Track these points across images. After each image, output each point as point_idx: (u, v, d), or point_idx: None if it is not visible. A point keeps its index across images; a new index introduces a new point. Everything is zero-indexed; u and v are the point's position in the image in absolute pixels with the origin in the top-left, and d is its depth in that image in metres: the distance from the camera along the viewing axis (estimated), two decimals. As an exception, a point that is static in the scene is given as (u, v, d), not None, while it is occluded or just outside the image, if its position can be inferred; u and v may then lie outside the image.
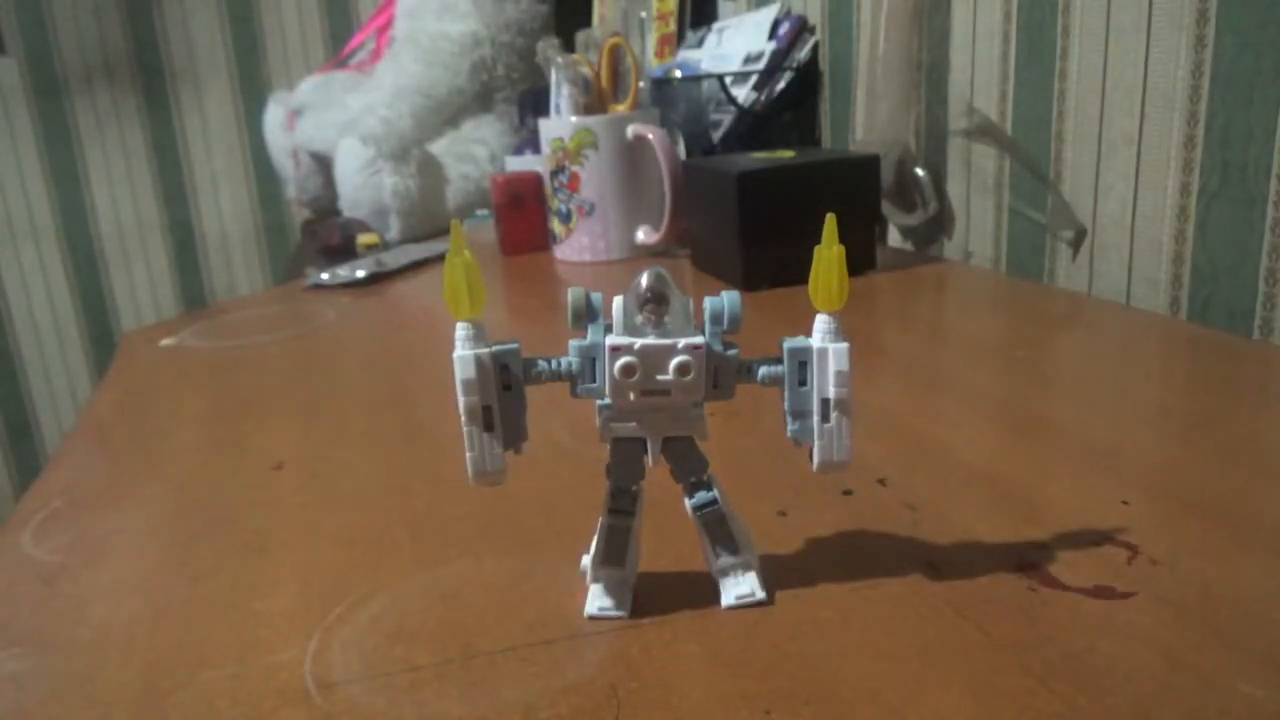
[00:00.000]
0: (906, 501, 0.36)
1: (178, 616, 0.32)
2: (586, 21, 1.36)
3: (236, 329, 0.72)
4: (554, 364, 0.28)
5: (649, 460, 0.29)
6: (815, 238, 0.28)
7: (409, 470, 0.43)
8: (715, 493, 0.30)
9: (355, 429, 0.49)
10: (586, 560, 0.30)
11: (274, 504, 0.41)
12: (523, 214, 0.93)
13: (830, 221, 0.27)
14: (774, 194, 0.68)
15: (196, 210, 2.10)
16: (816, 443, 0.28)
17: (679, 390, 0.28)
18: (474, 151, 1.20)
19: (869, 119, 0.87)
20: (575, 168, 0.84)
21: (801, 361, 0.28)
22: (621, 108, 0.85)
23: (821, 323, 0.28)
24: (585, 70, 0.85)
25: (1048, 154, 0.72)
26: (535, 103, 1.13)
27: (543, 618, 0.30)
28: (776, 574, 0.31)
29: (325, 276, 0.86)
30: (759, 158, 0.73)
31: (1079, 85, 0.69)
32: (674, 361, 0.27)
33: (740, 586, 0.30)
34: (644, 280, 0.27)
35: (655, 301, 0.27)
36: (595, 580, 0.30)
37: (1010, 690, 0.25)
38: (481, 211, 1.17)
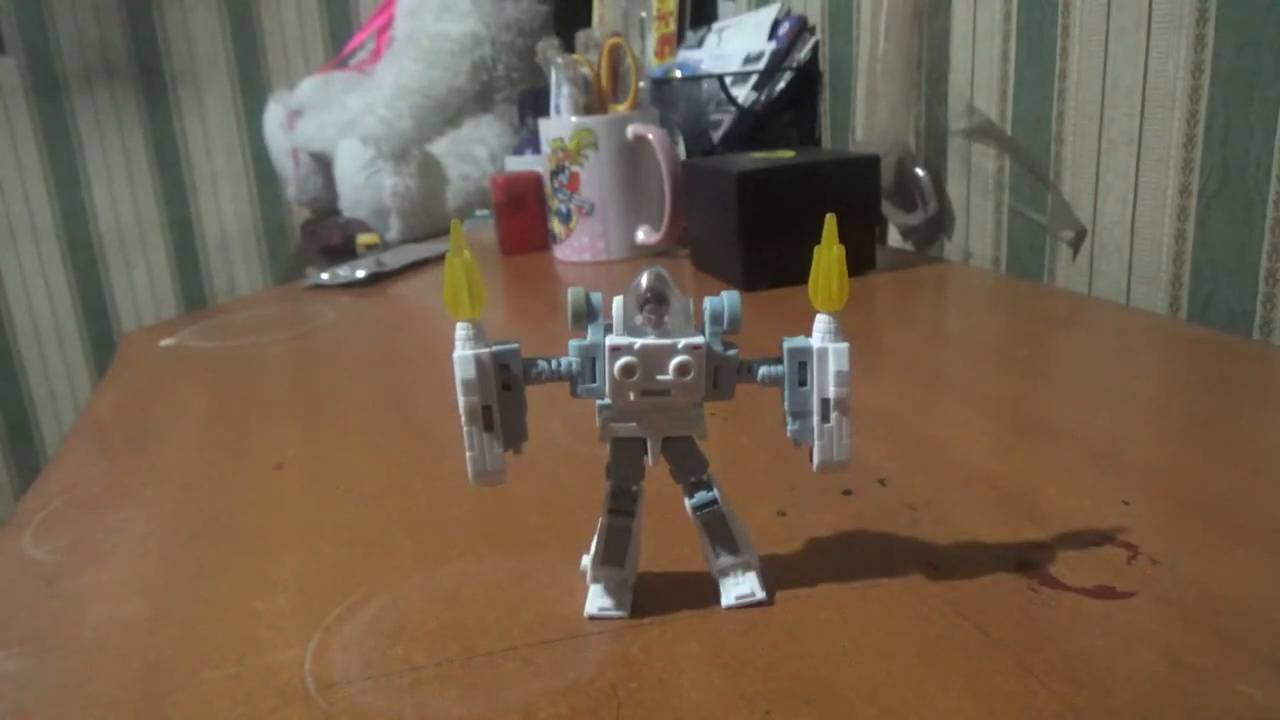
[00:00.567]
0: (906, 501, 0.36)
1: (178, 616, 0.32)
2: (586, 21, 1.36)
3: (237, 329, 0.72)
4: (554, 364, 0.28)
5: (649, 460, 0.29)
6: (815, 238, 0.28)
7: (409, 470, 0.43)
8: (715, 493, 0.30)
9: (355, 429, 0.49)
10: (586, 560, 0.30)
11: (274, 504, 0.41)
12: (523, 214, 0.93)
13: (830, 221, 0.27)
14: (774, 194, 0.68)
15: (196, 210, 2.10)
16: (816, 443, 0.28)
17: (679, 390, 0.28)
18: (474, 151, 1.20)
19: (869, 119, 0.87)
20: (575, 168, 0.84)
21: (801, 361, 0.28)
22: (621, 108, 0.85)
23: (821, 323, 0.28)
24: (585, 70, 0.85)
25: (1048, 154, 0.72)
26: (535, 103, 1.13)
27: (543, 618, 0.30)
28: (776, 574, 0.31)
29: (325, 276, 0.86)
30: (759, 158, 0.73)
31: (1079, 85, 0.69)
32: (674, 361, 0.27)
33: (740, 586, 0.30)
34: (644, 280, 0.27)
35: (655, 301, 0.27)
36: (595, 580, 0.30)
37: (1010, 690, 0.25)
38: (481, 211, 1.17)
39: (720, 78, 0.99)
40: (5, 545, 0.39)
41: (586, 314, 0.28)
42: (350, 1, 2.07)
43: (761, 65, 1.01)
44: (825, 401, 0.28)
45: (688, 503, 0.30)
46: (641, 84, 0.85)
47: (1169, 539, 0.32)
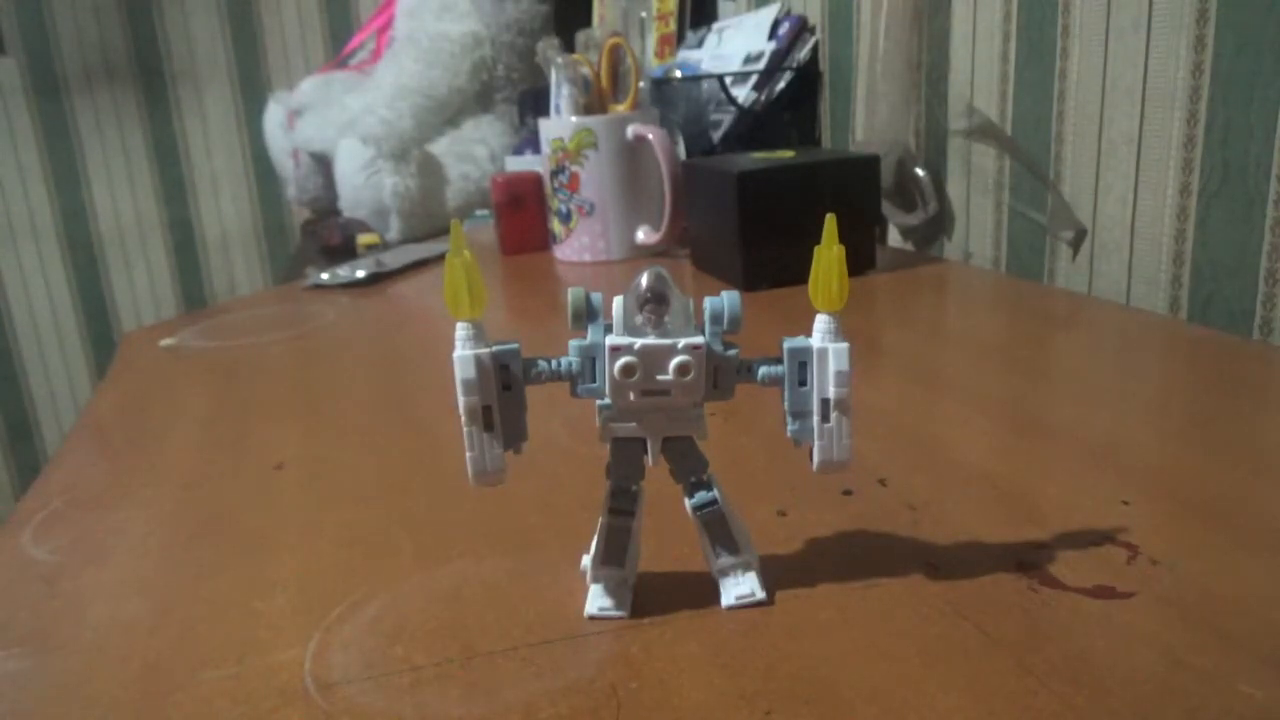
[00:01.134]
0: (906, 501, 0.36)
1: (178, 616, 0.32)
2: (586, 21, 1.36)
3: (237, 329, 0.72)
4: (554, 364, 0.28)
5: (649, 460, 0.29)
6: (815, 238, 0.28)
7: (409, 470, 0.43)
8: (715, 493, 0.30)
9: (355, 429, 0.49)
10: (586, 560, 0.30)
11: (274, 504, 0.41)
12: (523, 214, 0.93)
13: (830, 221, 0.27)
14: (774, 194, 0.68)
15: (196, 210, 2.10)
16: (816, 443, 0.28)
17: (679, 390, 0.28)
18: (474, 151, 1.20)
19: (869, 119, 0.87)
20: (575, 168, 0.84)
21: (801, 361, 0.28)
22: (621, 108, 0.85)
23: (821, 323, 0.28)
24: (585, 70, 0.85)
25: (1048, 154, 0.72)
26: (535, 103, 1.13)
27: (543, 618, 0.30)
28: (776, 574, 0.31)
29: (325, 276, 0.86)
30: (759, 158, 0.73)
31: (1079, 85, 0.69)
32: (674, 361, 0.27)
33: (740, 586, 0.30)
34: (644, 280, 0.27)
35: (655, 301, 0.27)
36: (595, 580, 0.30)
37: (1010, 690, 0.25)
38: (481, 211, 1.17)
39: (720, 78, 0.99)
40: (5, 545, 0.39)
41: (586, 314, 0.28)
42: (350, 1, 2.07)
43: (761, 65, 1.01)
44: (825, 401, 0.28)
45: (688, 503, 0.30)
46: (641, 84, 0.85)
47: (1169, 539, 0.32)
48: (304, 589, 0.33)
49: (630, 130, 0.83)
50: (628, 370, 0.27)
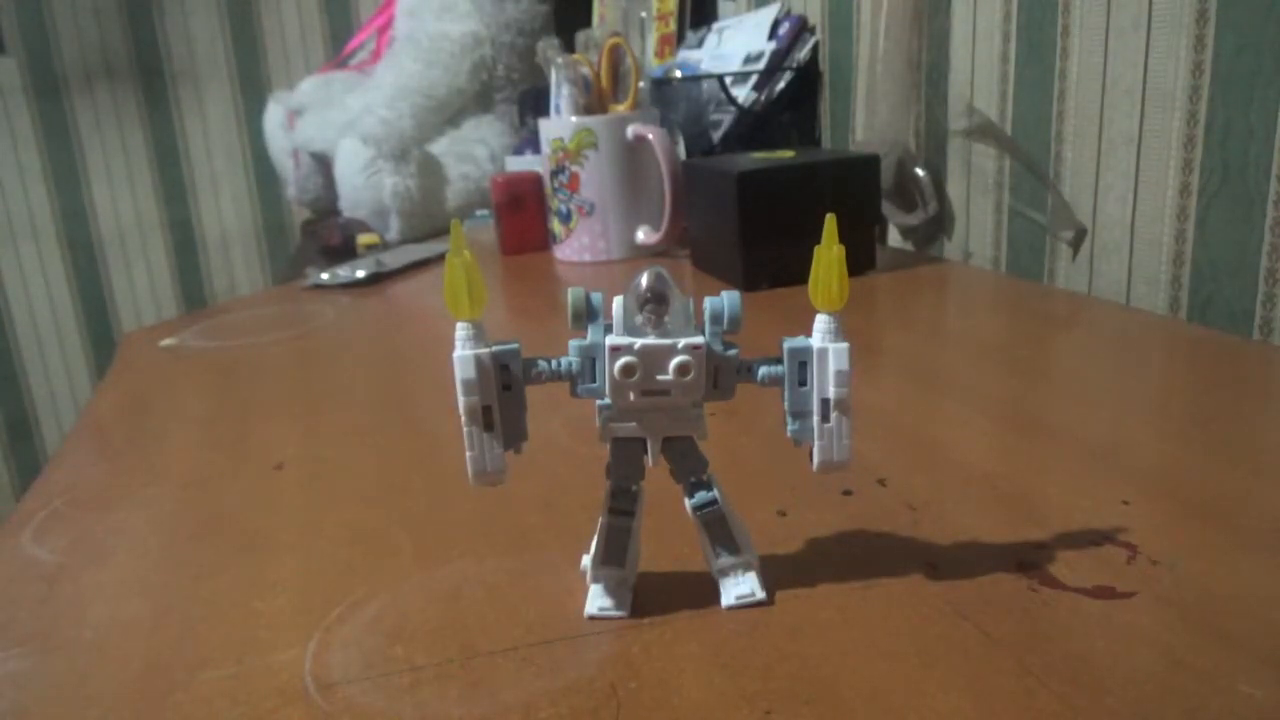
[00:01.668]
0: (906, 501, 0.36)
1: (178, 616, 0.32)
2: (586, 21, 1.36)
3: (237, 329, 0.72)
4: (554, 364, 0.28)
5: (649, 460, 0.29)
6: (815, 238, 0.28)
7: (409, 470, 0.43)
8: (715, 493, 0.30)
9: (355, 429, 0.49)
10: (586, 560, 0.30)
11: (274, 504, 0.41)
12: (523, 214, 0.93)
13: (830, 221, 0.27)
14: (774, 194, 0.68)
15: (196, 210, 2.10)
16: (816, 443, 0.28)
17: (679, 390, 0.28)
18: (474, 151, 1.20)
19: (869, 119, 0.87)
20: (575, 168, 0.84)
21: (801, 361, 0.28)
22: (621, 108, 0.85)
23: (821, 323, 0.28)
24: (585, 70, 0.85)
25: (1048, 154, 0.72)
26: (535, 103, 1.13)
27: (543, 618, 0.30)
28: (776, 574, 0.31)
29: (325, 276, 0.86)
30: (759, 158, 0.73)
31: (1079, 85, 0.69)
32: (674, 361, 0.27)
33: (740, 586, 0.30)
34: (644, 280, 0.27)
35: (655, 301, 0.27)
36: (595, 580, 0.30)
37: (1010, 690, 0.25)
38: (481, 211, 1.17)
39: (720, 78, 0.99)
40: (5, 545, 0.39)
41: (586, 314, 0.28)
42: (350, 1, 2.07)
43: (761, 65, 1.01)
44: (825, 401, 0.28)
45: (688, 503, 0.30)
46: (641, 84, 0.85)
47: (1169, 539, 0.32)
48: (304, 589, 0.33)
49: (630, 130, 0.83)
50: (628, 370, 0.27)
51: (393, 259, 0.92)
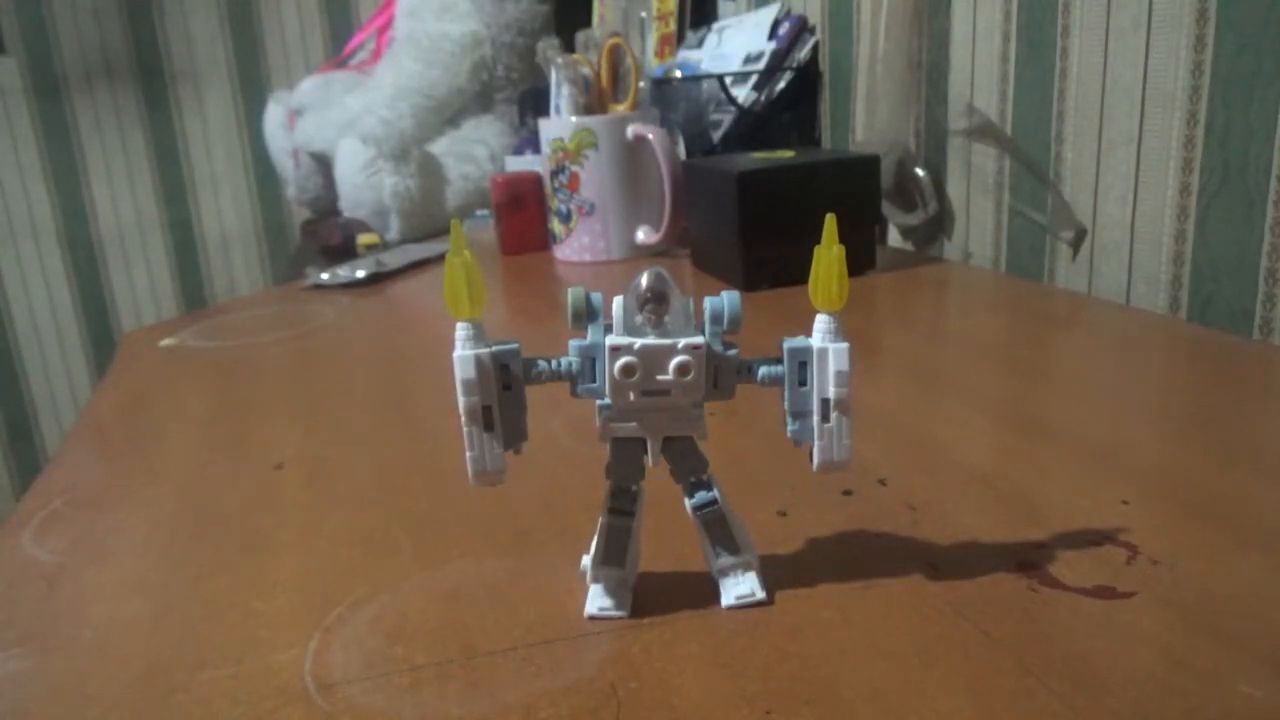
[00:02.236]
0: (906, 501, 0.36)
1: (178, 616, 0.32)
2: (586, 21, 1.36)
3: (236, 329, 0.72)
4: (554, 364, 0.28)
5: (649, 460, 0.29)
6: (815, 238, 0.28)
7: (409, 470, 0.43)
8: (715, 493, 0.30)
9: (355, 429, 0.49)
10: (586, 560, 0.30)
11: (274, 504, 0.41)
12: (523, 214, 0.93)
13: (830, 221, 0.27)
14: (774, 194, 0.68)
15: (196, 210, 2.10)
16: (816, 443, 0.28)
17: (679, 390, 0.28)
18: (474, 151, 1.20)
19: (869, 119, 0.87)
20: (575, 168, 0.84)
21: (801, 361, 0.28)
22: (621, 108, 0.85)
23: (821, 323, 0.28)
24: (585, 70, 0.85)
25: (1048, 154, 0.72)
26: (535, 103, 1.13)
27: (543, 618, 0.30)
28: (776, 574, 0.31)
29: (325, 276, 0.86)
30: (759, 158, 0.73)
31: (1079, 85, 0.69)
32: (674, 361, 0.27)
33: (740, 586, 0.30)
34: (644, 280, 0.27)
35: (655, 301, 0.27)
36: (595, 580, 0.30)
37: (1010, 690, 0.25)
38: (481, 211, 1.17)
39: (720, 78, 0.99)
40: (5, 545, 0.39)
41: (586, 314, 0.28)
42: (350, 1, 2.07)
43: (761, 65, 1.01)
44: (825, 401, 0.28)
45: (688, 503, 0.30)
46: (641, 84, 0.85)
47: (1169, 539, 0.32)
48: (304, 589, 0.33)
49: (630, 130, 0.83)
50: (628, 370, 0.27)
51: (393, 259, 0.92)
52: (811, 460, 0.29)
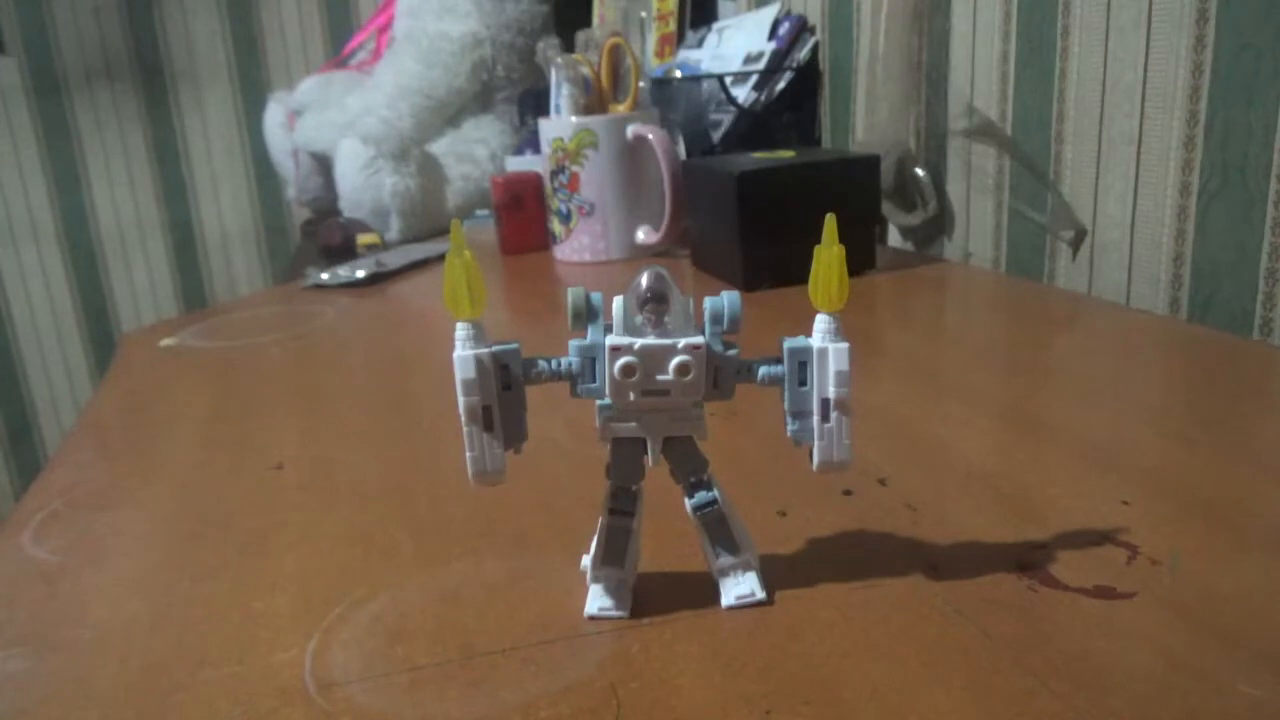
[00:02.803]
0: (906, 501, 0.36)
1: (178, 616, 0.32)
2: (586, 21, 1.36)
3: (236, 329, 0.72)
4: (554, 364, 0.28)
5: (649, 460, 0.29)
6: (815, 238, 0.28)
7: (409, 470, 0.43)
8: (715, 493, 0.30)
9: (355, 429, 0.49)
10: (586, 560, 0.30)
11: (274, 504, 0.41)
12: (523, 214, 0.93)
13: (830, 221, 0.27)
14: (774, 194, 0.68)
15: (196, 210, 2.10)
16: (816, 443, 0.28)
17: (679, 390, 0.28)
18: (474, 151, 1.20)
19: (869, 119, 0.87)
20: (575, 168, 0.84)
21: (801, 361, 0.28)
22: (621, 108, 0.85)
23: (821, 323, 0.28)
24: (585, 70, 0.85)
25: (1048, 154, 0.72)
26: (535, 103, 1.13)
27: (543, 618, 0.30)
28: (776, 574, 0.31)
29: (325, 276, 0.86)
30: (759, 158, 0.73)
31: (1079, 85, 0.69)
32: (674, 361, 0.27)
33: (740, 586, 0.30)
34: (644, 280, 0.27)
35: (655, 301, 0.27)
36: (595, 580, 0.30)
37: (1010, 690, 0.25)
38: (481, 211, 1.17)
39: (720, 78, 0.99)
40: (5, 545, 0.39)
41: (586, 314, 0.28)
42: (350, 1, 2.07)
43: (761, 65, 1.01)
44: (825, 401, 0.28)
45: (688, 503, 0.30)
46: (641, 84, 0.85)
47: (1169, 539, 0.32)
48: (304, 589, 0.33)
49: (630, 130, 0.83)
50: (628, 370, 0.27)
51: (393, 259, 0.92)
52: (811, 460, 0.29)
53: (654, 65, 1.23)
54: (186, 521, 0.39)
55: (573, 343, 0.28)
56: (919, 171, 0.85)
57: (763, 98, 1.00)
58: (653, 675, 0.27)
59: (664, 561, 0.33)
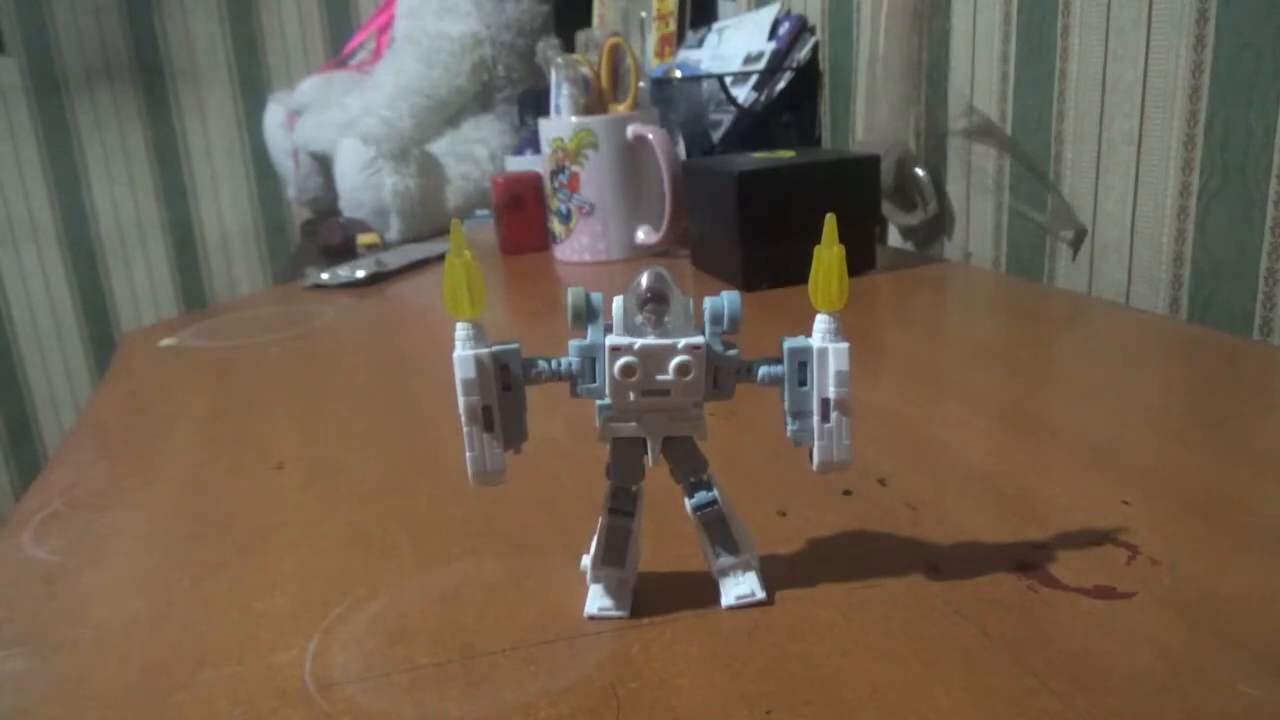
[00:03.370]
0: (906, 501, 0.36)
1: (178, 616, 0.32)
2: (586, 21, 1.36)
3: (236, 329, 0.72)
4: (554, 364, 0.28)
5: (649, 460, 0.29)
6: (815, 238, 0.28)
7: (409, 470, 0.43)
8: (715, 493, 0.30)
9: (355, 429, 0.49)
10: (586, 560, 0.30)
11: (274, 504, 0.41)
12: (523, 214, 0.93)
13: (830, 221, 0.27)
14: (774, 194, 0.68)
15: (196, 210, 2.10)
16: (816, 443, 0.28)
17: (679, 390, 0.28)
18: (474, 151, 1.20)
19: (869, 119, 0.87)
20: (575, 168, 0.84)
21: (801, 361, 0.28)
22: (621, 108, 0.85)
23: (821, 323, 0.28)
24: (585, 70, 0.85)
25: (1048, 154, 0.72)
26: (535, 103, 1.13)
27: (543, 618, 0.30)
28: (776, 574, 0.31)
29: (325, 276, 0.86)
30: (759, 158, 0.73)
31: (1079, 85, 0.69)
32: (674, 361, 0.27)
33: (740, 586, 0.30)
34: (644, 280, 0.27)
35: (655, 301, 0.27)
36: (595, 580, 0.30)
37: (1010, 690, 0.25)
38: (481, 211, 1.17)
39: (720, 78, 0.99)
40: (5, 545, 0.39)
41: (586, 314, 0.28)
42: (350, 1, 2.07)
43: (761, 65, 1.01)
44: (825, 401, 0.28)
45: (688, 503, 0.30)
46: (641, 84, 0.85)
47: (1169, 539, 0.32)
48: (304, 589, 0.33)
49: (630, 130, 0.83)
50: (628, 370, 0.27)
51: (393, 259, 0.92)
52: (811, 460, 0.29)
53: (654, 65, 1.23)
54: (186, 521, 0.39)
55: (573, 343, 0.28)
56: (919, 171, 0.85)
57: (763, 98, 1.00)
58: (653, 675, 0.27)
59: (664, 561, 0.33)
